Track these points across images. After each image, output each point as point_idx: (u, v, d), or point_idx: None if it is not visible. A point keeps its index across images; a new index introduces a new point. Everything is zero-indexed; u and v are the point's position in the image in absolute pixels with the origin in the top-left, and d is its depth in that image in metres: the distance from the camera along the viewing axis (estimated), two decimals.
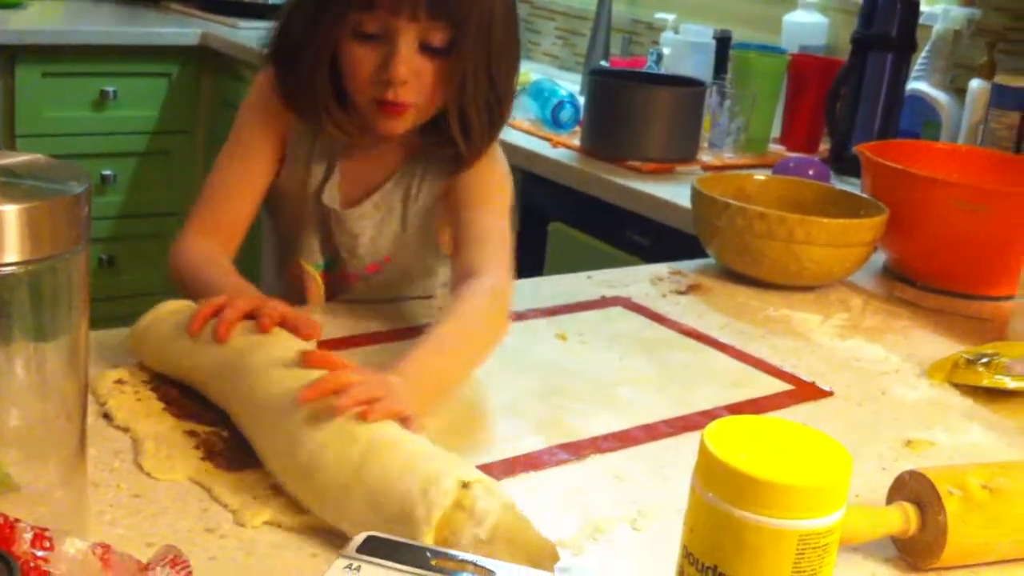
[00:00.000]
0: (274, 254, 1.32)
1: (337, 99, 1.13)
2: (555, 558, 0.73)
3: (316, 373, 0.85)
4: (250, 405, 0.87)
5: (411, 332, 1.12)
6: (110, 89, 2.80)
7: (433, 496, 0.72)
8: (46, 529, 0.59)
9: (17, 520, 0.58)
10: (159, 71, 2.92)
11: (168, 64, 2.92)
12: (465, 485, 0.73)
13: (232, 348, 0.92)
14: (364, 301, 1.24)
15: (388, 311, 1.21)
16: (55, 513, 0.67)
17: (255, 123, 1.20)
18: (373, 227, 1.22)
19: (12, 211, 0.59)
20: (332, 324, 1.15)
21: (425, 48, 1.08)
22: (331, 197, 1.21)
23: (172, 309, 1.01)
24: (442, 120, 1.14)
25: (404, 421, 0.82)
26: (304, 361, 0.87)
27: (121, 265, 2.89)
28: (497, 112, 1.15)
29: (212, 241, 1.15)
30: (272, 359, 0.89)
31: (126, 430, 0.89)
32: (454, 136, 1.13)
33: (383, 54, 1.07)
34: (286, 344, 0.92)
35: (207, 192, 1.18)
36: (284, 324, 0.95)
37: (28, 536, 0.58)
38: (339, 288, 1.26)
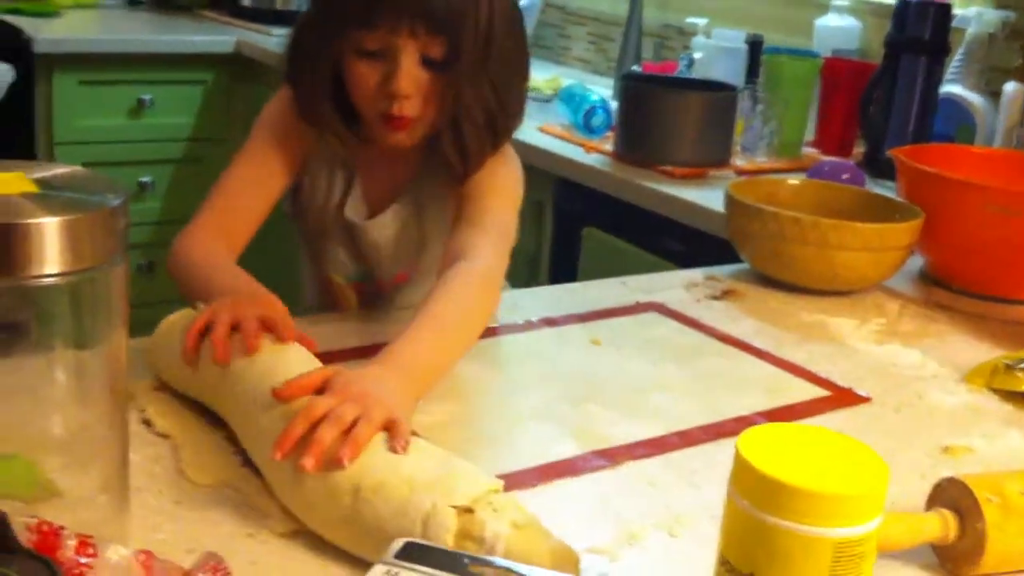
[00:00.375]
0: (310, 268, 1.33)
1: (343, 113, 1.14)
2: (576, 561, 0.72)
3: (299, 403, 0.82)
4: (247, 440, 0.86)
5: None
6: (146, 97, 2.83)
7: (435, 533, 0.71)
8: (90, 536, 0.60)
9: (62, 527, 0.59)
10: (194, 79, 2.95)
11: (203, 72, 2.95)
12: (467, 510, 0.72)
13: (225, 373, 0.90)
14: (401, 307, 1.24)
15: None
16: (97, 519, 0.68)
17: (272, 131, 1.20)
18: (394, 237, 1.22)
19: (52, 223, 0.60)
20: (363, 331, 1.15)
21: (426, 62, 1.09)
22: (353, 210, 1.22)
23: (171, 324, 0.98)
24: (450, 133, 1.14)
25: (390, 427, 0.79)
26: (280, 396, 0.83)
27: (160, 270, 2.91)
28: (501, 124, 1.15)
29: (215, 239, 1.13)
30: (255, 394, 0.86)
31: (166, 436, 0.91)
32: (447, 150, 1.13)
33: (385, 70, 1.08)
34: (270, 368, 0.88)
35: (215, 192, 1.17)
36: (266, 329, 0.92)
37: (72, 543, 0.59)
38: (374, 297, 1.27)
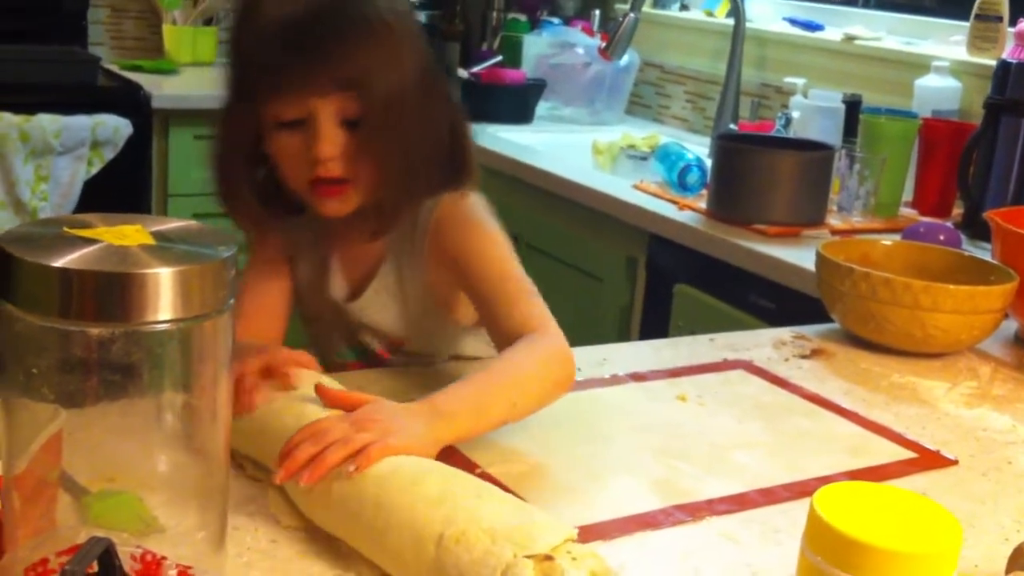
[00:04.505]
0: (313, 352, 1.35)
1: (283, 200, 1.14)
2: None
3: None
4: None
5: None
6: None
7: None
8: (189, 567, 0.64)
9: (163, 558, 0.63)
10: None
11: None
12: (547, 558, 0.73)
13: (263, 429, 0.94)
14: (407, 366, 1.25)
15: (432, 373, 1.21)
16: (195, 553, 0.72)
17: (257, 241, 1.23)
18: (379, 313, 1.22)
19: (167, 274, 0.65)
20: (376, 388, 1.14)
21: (346, 123, 1.07)
22: (336, 289, 1.23)
23: None
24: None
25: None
26: (322, 397, 0.90)
27: None
28: (418, 180, 1.11)
29: (249, 337, 1.13)
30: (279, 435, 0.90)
31: (257, 480, 0.95)
32: (376, 201, 1.11)
33: (306, 137, 1.07)
34: (297, 411, 0.93)
35: (240, 300, 1.15)
36: (267, 377, 0.98)
37: (172, 573, 0.63)
38: (376, 367, 1.27)
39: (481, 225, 1.16)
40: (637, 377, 1.27)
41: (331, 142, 1.06)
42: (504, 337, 1.07)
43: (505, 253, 1.14)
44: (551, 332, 1.06)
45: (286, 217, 1.16)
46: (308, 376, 1.00)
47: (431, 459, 0.88)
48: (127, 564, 0.61)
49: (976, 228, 2.01)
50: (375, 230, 1.15)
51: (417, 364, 1.25)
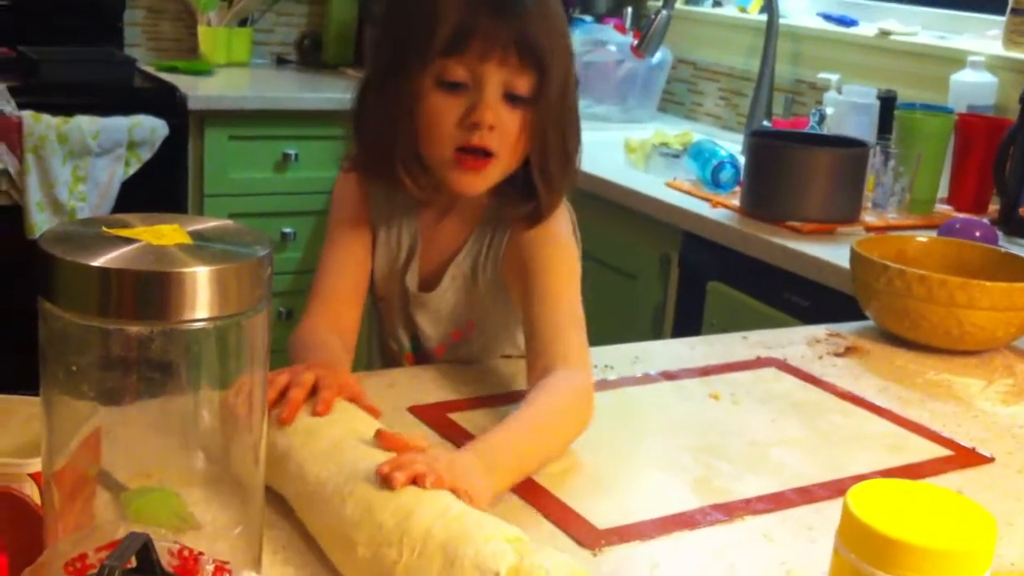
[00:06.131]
0: (374, 332, 1.35)
1: (418, 160, 1.13)
2: None
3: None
4: (303, 494, 0.88)
5: (508, 398, 1.13)
6: (291, 151, 2.95)
7: None
8: (226, 562, 0.64)
9: (200, 553, 0.64)
10: (337, 135, 3.04)
11: (345, 128, 3.05)
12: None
13: (288, 435, 0.93)
14: (454, 363, 1.25)
15: (478, 374, 1.22)
16: (232, 549, 0.73)
17: (346, 215, 1.22)
18: (452, 299, 1.23)
19: (204, 272, 0.65)
20: (422, 389, 1.17)
21: (509, 97, 1.07)
22: (412, 280, 1.23)
23: None
24: (514, 178, 1.13)
25: (458, 492, 0.82)
26: (379, 440, 0.88)
27: (298, 318, 3.00)
28: (570, 167, 1.14)
29: (323, 320, 1.16)
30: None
31: None
32: (536, 187, 1.11)
33: (468, 102, 1.07)
34: (338, 432, 0.92)
35: (316, 283, 1.20)
36: (345, 395, 0.97)
37: (210, 568, 0.64)
38: (427, 361, 1.28)
39: (559, 241, 1.16)
40: (669, 376, 1.27)
41: (495, 112, 1.07)
42: (539, 358, 1.08)
43: (571, 278, 1.14)
44: (584, 371, 1.07)
45: (419, 171, 1.13)
46: (352, 412, 0.97)
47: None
48: (165, 560, 0.62)
49: (1013, 224, 2.00)
50: (533, 218, 1.14)
51: (465, 363, 1.25)
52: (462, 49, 1.05)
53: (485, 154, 1.09)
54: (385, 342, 1.31)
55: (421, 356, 1.28)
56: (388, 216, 1.22)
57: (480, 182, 1.11)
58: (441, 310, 1.24)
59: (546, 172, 1.12)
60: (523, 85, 1.07)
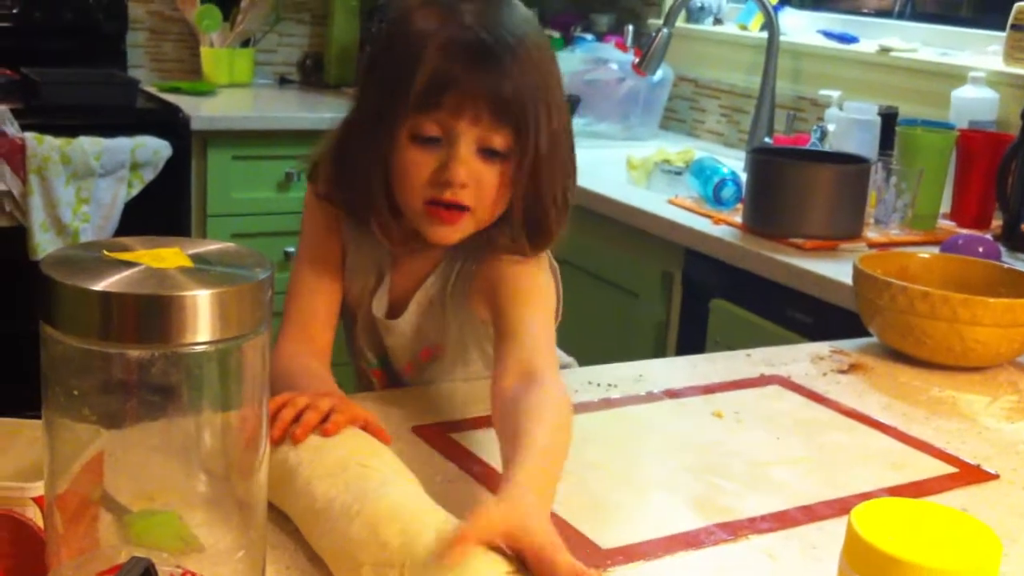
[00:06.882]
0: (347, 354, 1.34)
1: (389, 206, 1.12)
2: None
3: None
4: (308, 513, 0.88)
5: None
6: (294, 171, 2.96)
7: None
8: None
9: None
10: None
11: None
12: None
13: (298, 451, 0.93)
14: (424, 384, 1.25)
15: (481, 391, 1.18)
16: (235, 572, 0.73)
17: (316, 241, 1.21)
18: (417, 323, 1.22)
19: (205, 296, 0.66)
20: (422, 409, 1.16)
21: (484, 152, 1.06)
22: (379, 306, 1.22)
23: None
24: (500, 219, 1.11)
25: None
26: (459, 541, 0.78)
27: None
28: (561, 215, 1.12)
29: (300, 344, 1.16)
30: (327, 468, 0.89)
31: None
32: (522, 230, 1.10)
33: (442, 158, 1.06)
34: (346, 451, 0.92)
35: (289, 305, 1.20)
36: (358, 425, 0.96)
37: None
38: (395, 380, 1.27)
39: (543, 270, 1.16)
40: (671, 394, 1.27)
41: (468, 169, 1.06)
42: (509, 359, 1.05)
43: (548, 301, 1.13)
44: (556, 377, 1.04)
45: (389, 219, 1.13)
46: (362, 434, 0.97)
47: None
48: None
49: (1015, 240, 2.00)
50: (509, 250, 1.12)
51: (433, 382, 1.25)
52: (436, 104, 1.04)
53: (460, 208, 1.08)
54: (354, 357, 1.31)
55: (390, 373, 1.28)
56: (357, 239, 1.21)
57: (453, 234, 1.10)
58: (407, 334, 1.23)
59: (532, 221, 1.11)
60: (499, 141, 1.06)
